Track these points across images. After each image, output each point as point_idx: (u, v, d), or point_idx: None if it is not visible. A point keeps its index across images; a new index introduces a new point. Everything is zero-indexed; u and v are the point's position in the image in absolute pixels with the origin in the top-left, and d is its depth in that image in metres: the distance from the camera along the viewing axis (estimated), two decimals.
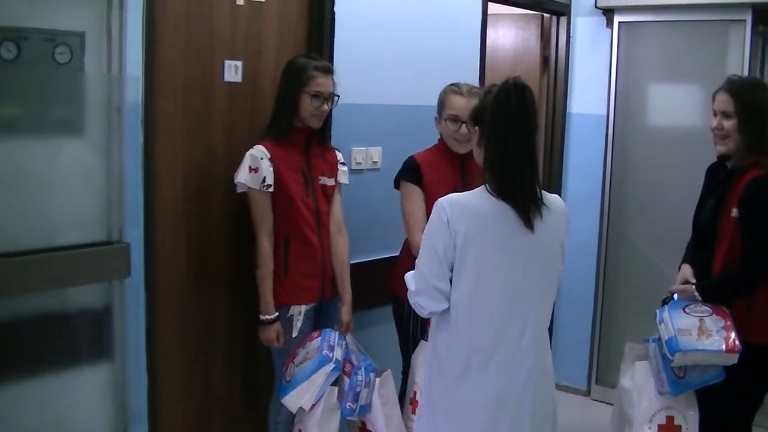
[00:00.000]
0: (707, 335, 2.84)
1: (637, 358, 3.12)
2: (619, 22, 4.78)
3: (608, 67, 4.84)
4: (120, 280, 2.79)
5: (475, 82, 4.00)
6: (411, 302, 2.45)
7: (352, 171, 3.44)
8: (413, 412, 3.14)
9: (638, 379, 3.05)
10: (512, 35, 5.16)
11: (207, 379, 3.29)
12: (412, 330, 3.31)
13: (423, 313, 2.44)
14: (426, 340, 3.10)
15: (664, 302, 3.10)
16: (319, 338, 3.11)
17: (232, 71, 3.21)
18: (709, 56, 4.56)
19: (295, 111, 3.11)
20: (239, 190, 3.08)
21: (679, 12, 4.56)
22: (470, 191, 2.39)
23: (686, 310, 2.95)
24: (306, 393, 3.01)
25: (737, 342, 2.81)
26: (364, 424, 3.19)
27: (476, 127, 2.41)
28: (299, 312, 3.16)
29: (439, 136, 3.33)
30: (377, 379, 3.10)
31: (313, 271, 3.20)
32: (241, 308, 3.33)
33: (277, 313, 3.11)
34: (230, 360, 3.36)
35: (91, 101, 2.70)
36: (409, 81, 3.40)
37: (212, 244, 3.23)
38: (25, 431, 2.62)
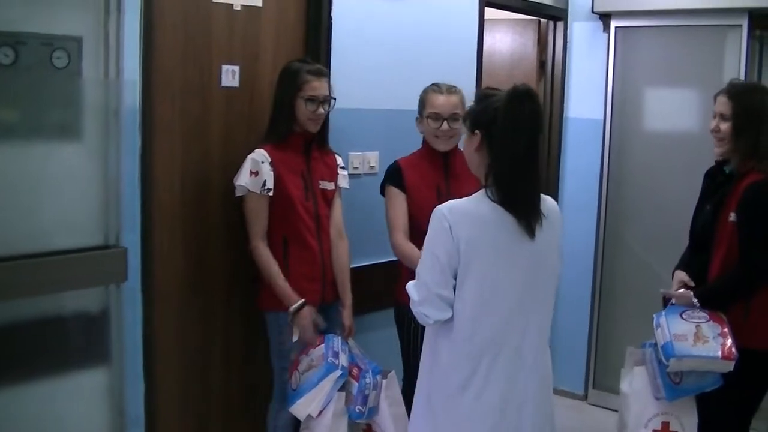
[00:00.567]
0: (703, 341, 2.84)
1: (636, 363, 3.13)
2: (616, 27, 4.80)
3: (605, 72, 4.86)
4: (117, 284, 2.78)
5: (473, 87, 4.01)
6: (414, 312, 2.41)
7: (349, 175, 3.44)
8: None
9: (636, 384, 3.06)
10: (509, 40, 5.17)
11: (204, 383, 3.28)
12: (414, 335, 3.31)
13: (428, 322, 2.38)
14: None
15: (665, 302, 3.10)
16: (323, 345, 3.10)
17: (230, 76, 3.22)
18: (706, 61, 4.58)
19: (292, 116, 3.12)
20: (239, 193, 3.09)
21: (675, 17, 4.57)
22: (468, 197, 2.37)
23: (683, 315, 2.95)
24: (313, 401, 3.01)
25: (733, 349, 2.81)
26: (369, 426, 3.19)
27: (476, 132, 2.37)
28: None
29: (422, 139, 3.37)
30: (383, 381, 3.12)
31: (313, 275, 3.20)
32: (239, 312, 3.33)
33: (303, 299, 3.10)
34: (228, 363, 3.36)
35: (89, 105, 2.69)
36: (406, 86, 3.41)
37: (209, 248, 3.22)
38: None
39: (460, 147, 3.17)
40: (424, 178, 3.28)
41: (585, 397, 5.04)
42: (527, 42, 5.12)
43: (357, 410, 3.05)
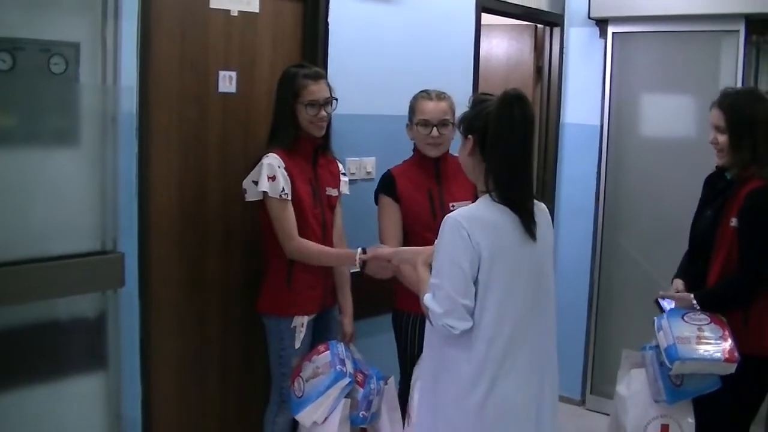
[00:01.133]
0: (705, 344, 2.84)
1: (634, 366, 3.13)
2: (613, 33, 4.80)
3: (602, 77, 4.86)
4: (114, 289, 2.79)
5: (469, 93, 4.01)
6: (437, 324, 2.34)
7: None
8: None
9: (634, 387, 3.06)
10: (506, 46, 5.18)
11: (201, 388, 3.28)
12: (411, 341, 3.31)
13: (454, 333, 2.33)
14: None
15: (660, 308, 3.11)
16: (328, 352, 3.11)
17: (227, 82, 3.22)
18: (703, 67, 4.58)
19: (295, 122, 3.10)
20: (252, 198, 3.05)
21: (672, 22, 4.58)
22: (475, 203, 2.40)
23: (685, 318, 2.96)
24: (319, 408, 3.02)
25: (735, 351, 2.81)
26: (364, 429, 3.20)
27: (469, 136, 2.41)
28: (302, 323, 3.15)
29: (413, 146, 3.37)
30: (385, 386, 3.15)
31: (316, 282, 3.19)
32: (235, 317, 3.33)
33: (361, 247, 3.09)
34: (225, 368, 3.36)
35: (86, 111, 2.70)
36: (403, 91, 3.42)
37: (206, 254, 3.22)
38: None
39: (452, 152, 3.19)
40: (416, 184, 3.28)
41: (582, 403, 5.03)
42: (524, 48, 5.13)
43: (361, 416, 3.07)
